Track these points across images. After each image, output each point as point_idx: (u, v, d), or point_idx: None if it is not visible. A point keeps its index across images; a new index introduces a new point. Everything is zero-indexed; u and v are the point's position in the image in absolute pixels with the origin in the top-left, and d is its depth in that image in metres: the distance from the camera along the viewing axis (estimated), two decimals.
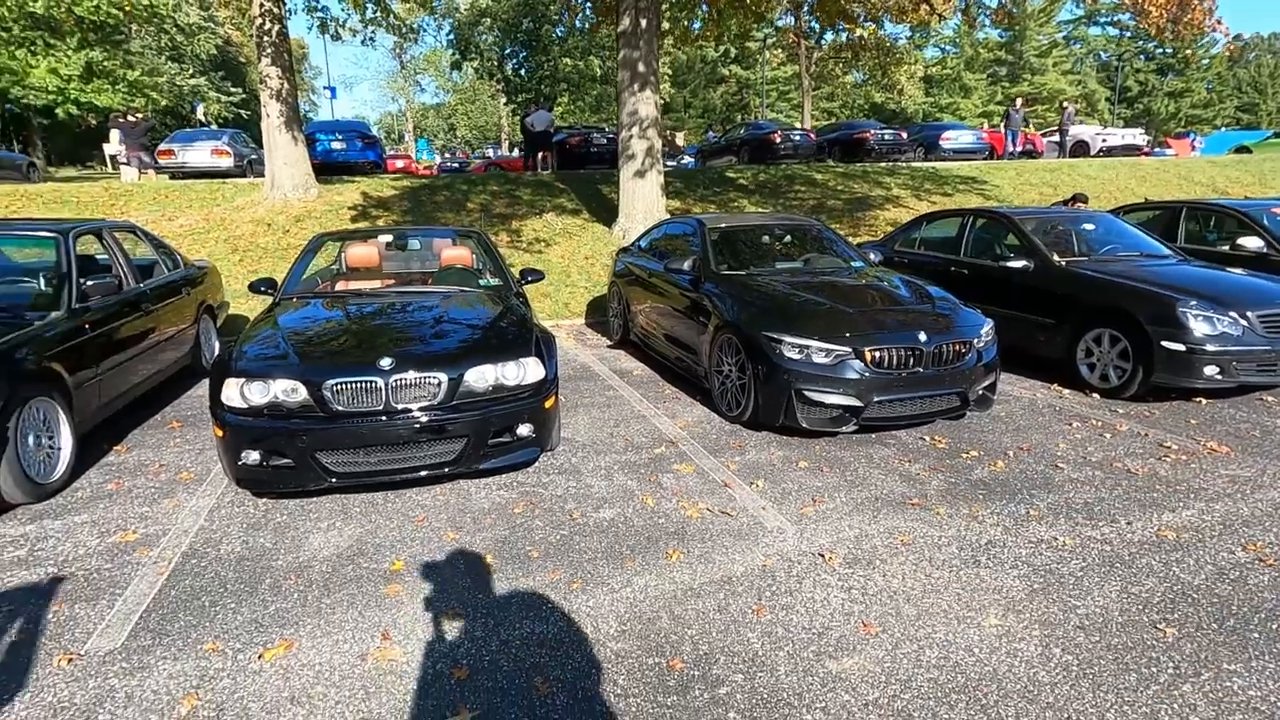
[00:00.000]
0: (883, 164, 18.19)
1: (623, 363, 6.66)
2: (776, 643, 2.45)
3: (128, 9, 31.66)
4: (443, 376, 3.52)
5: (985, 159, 20.50)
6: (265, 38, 11.79)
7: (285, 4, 12.21)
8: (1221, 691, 2.18)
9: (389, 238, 5.33)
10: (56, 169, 35.63)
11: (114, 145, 17.13)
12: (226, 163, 15.27)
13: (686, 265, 5.64)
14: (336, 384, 3.39)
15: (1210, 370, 4.80)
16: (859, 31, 13.46)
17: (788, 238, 6.30)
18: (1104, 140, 21.45)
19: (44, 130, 36.99)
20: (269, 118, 12.03)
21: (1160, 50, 61.82)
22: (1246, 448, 4.24)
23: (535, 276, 5.23)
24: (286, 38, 12.20)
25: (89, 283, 4.45)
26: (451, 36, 30.14)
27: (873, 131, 19.18)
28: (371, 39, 13.40)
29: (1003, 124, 20.17)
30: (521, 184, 14.56)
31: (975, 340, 4.56)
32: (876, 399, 4.28)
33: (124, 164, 16.44)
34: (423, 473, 3.56)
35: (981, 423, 4.78)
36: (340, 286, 5.21)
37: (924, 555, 3.04)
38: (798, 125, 27.90)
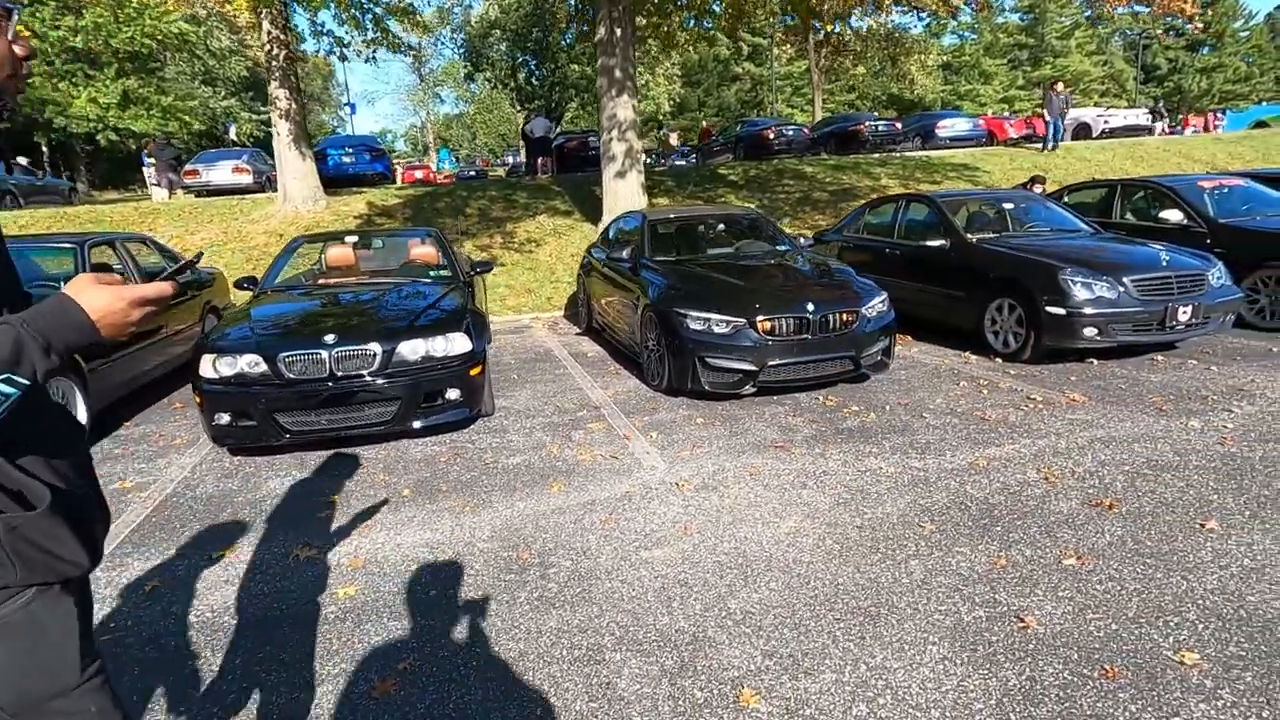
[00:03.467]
0: (876, 155, 18.56)
1: (582, 346, 7.32)
2: (609, 541, 3.08)
3: (160, 38, 33.34)
4: (378, 348, 4.22)
5: (982, 145, 20.72)
6: (274, 62, 12.74)
7: (293, 29, 13.19)
8: (938, 563, 2.75)
9: (355, 239, 6.08)
10: (101, 192, 37.43)
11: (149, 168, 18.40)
12: (247, 180, 16.34)
13: (625, 254, 6.29)
14: (288, 356, 4.11)
15: (1089, 331, 5.26)
16: (828, 28, 13.82)
17: (721, 226, 6.88)
18: (1106, 122, 21.43)
19: (88, 156, 39.12)
20: (279, 136, 13.00)
21: (1190, 25, 60.28)
22: (1104, 398, 4.71)
23: (484, 267, 5.93)
24: (294, 62, 13.16)
25: None
26: (463, 49, 31.23)
27: (867, 123, 19.54)
28: (374, 57, 14.29)
29: (1045, 110, 19.23)
30: (519, 188, 15.35)
31: (865, 309, 5.10)
32: (771, 363, 4.86)
33: (154, 185, 17.69)
34: (367, 430, 4.27)
35: (879, 384, 5.31)
36: (322, 282, 5.97)
37: (763, 482, 3.63)
38: (795, 120, 28.22)
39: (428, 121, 51.22)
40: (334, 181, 16.53)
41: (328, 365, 4.14)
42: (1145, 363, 5.52)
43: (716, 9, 12.12)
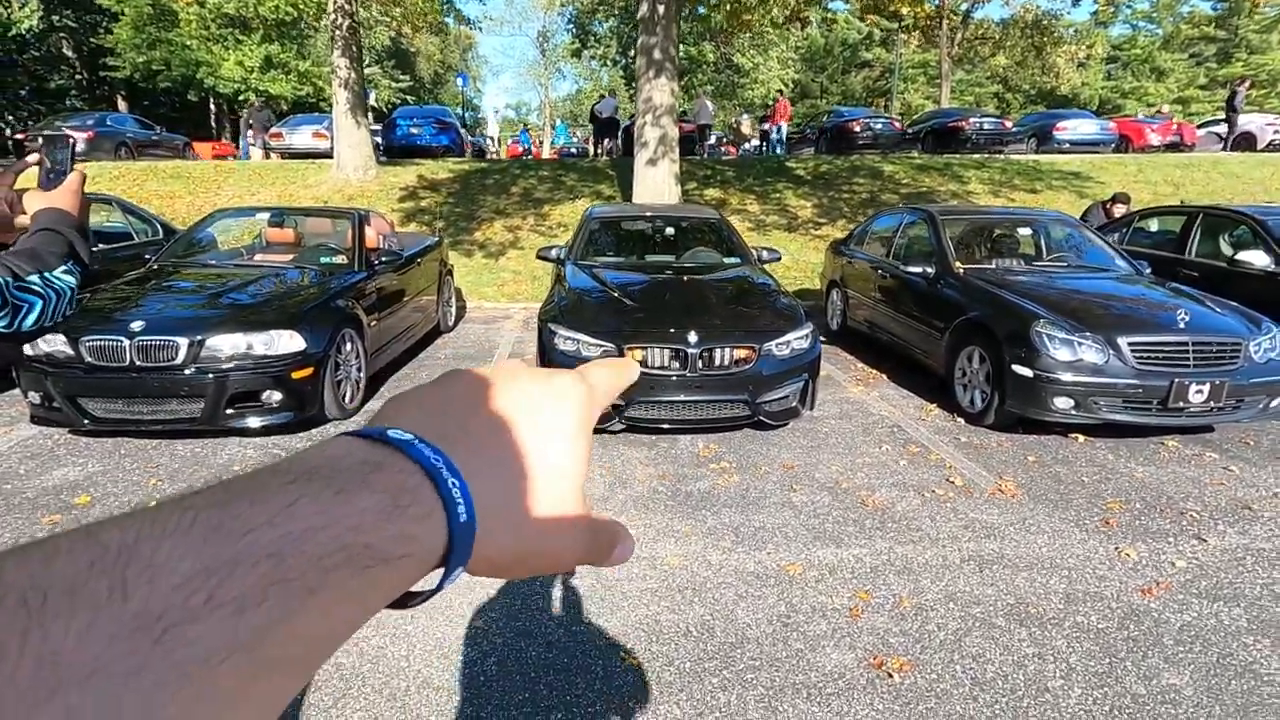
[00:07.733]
0: (977, 155, 16.61)
1: (532, 349, 6.80)
2: None
3: (301, 7, 35.58)
4: (182, 341, 3.92)
5: (1114, 152, 18.08)
6: (337, 31, 13.00)
7: (358, 2, 13.41)
8: None
9: (267, 215, 5.89)
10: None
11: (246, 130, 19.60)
12: (325, 144, 16.96)
13: (553, 253, 5.73)
14: (89, 341, 3.90)
15: (1062, 402, 4.13)
16: (900, 8, 12.26)
17: (669, 229, 6.10)
18: (1276, 131, 18.07)
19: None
20: (337, 104, 13.30)
21: None
22: (1045, 495, 3.66)
23: (392, 257, 5.55)
24: (356, 32, 13.39)
25: None
26: (570, 26, 31.11)
27: (970, 120, 17.53)
28: (444, 27, 14.34)
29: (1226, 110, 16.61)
30: (572, 170, 14.97)
31: (771, 345, 4.25)
32: (639, 399, 4.16)
33: (251, 145, 18.79)
34: (175, 425, 4.01)
35: (784, 435, 4.46)
36: (259, 258, 5.79)
37: None
38: (884, 112, 25.89)
39: (545, 98, 51.91)
40: (403, 151, 16.89)
41: (128, 353, 3.89)
42: (1147, 447, 4.30)
43: None
